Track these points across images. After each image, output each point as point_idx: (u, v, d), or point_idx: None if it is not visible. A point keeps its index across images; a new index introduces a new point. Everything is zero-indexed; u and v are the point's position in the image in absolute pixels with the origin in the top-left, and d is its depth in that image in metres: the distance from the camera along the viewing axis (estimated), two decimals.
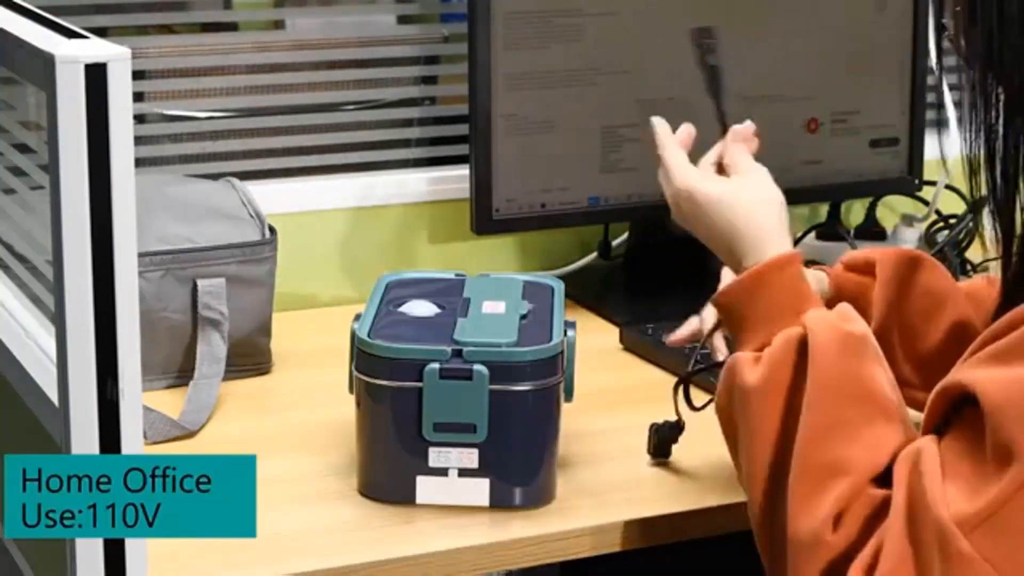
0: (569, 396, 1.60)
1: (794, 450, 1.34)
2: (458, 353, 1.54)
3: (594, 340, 1.79)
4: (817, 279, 1.68)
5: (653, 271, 2.20)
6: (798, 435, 1.34)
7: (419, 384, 1.54)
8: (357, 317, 1.61)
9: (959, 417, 1.27)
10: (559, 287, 1.72)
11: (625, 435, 1.72)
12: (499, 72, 2.04)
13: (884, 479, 1.31)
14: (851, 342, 1.38)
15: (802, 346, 1.38)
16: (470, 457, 1.54)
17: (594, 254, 2.24)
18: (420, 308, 1.65)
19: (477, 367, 1.53)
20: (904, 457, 1.29)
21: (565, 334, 1.60)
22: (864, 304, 1.65)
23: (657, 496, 1.59)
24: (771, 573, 1.36)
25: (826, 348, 1.37)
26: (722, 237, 1.51)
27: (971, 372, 1.25)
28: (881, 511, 1.28)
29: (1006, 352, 1.24)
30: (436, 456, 1.55)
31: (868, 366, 1.38)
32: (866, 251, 1.73)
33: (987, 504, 1.20)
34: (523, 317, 1.62)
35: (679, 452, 1.68)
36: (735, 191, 1.53)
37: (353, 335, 1.58)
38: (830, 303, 1.56)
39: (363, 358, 1.57)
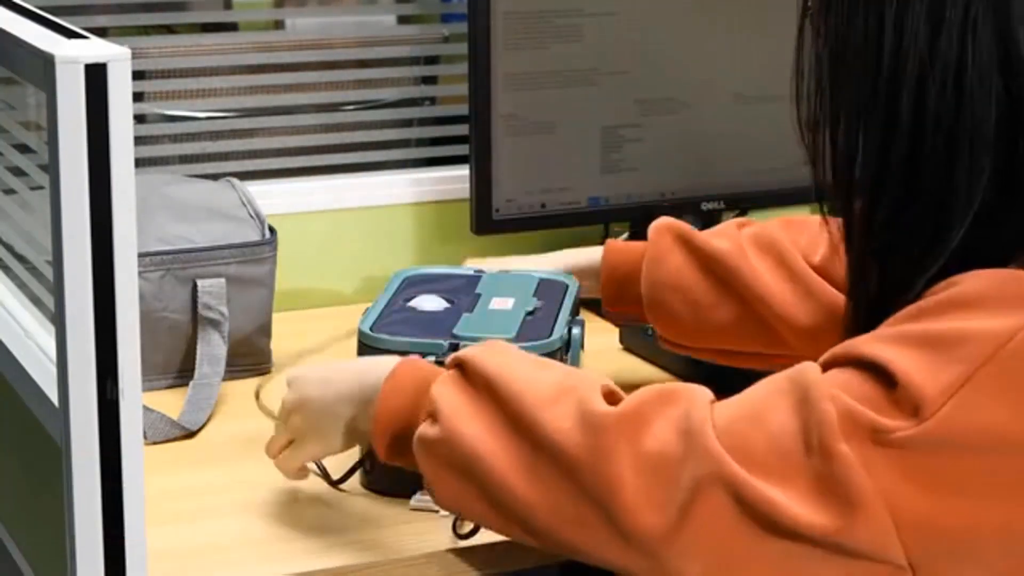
0: None
1: (525, 411, 1.29)
2: (455, 347, 1.55)
3: (594, 340, 1.79)
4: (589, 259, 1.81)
5: None
6: (524, 404, 1.29)
7: None
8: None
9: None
10: (573, 285, 1.72)
11: None
12: (499, 72, 2.04)
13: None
14: (494, 347, 1.39)
15: (459, 375, 1.35)
16: None
17: None
18: (429, 303, 1.66)
19: None
20: (781, 375, 1.26)
21: (569, 331, 1.60)
22: (638, 278, 1.76)
23: None
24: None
25: (483, 358, 1.35)
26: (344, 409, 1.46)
27: (861, 341, 1.23)
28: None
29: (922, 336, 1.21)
30: None
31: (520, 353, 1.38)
32: (657, 223, 1.79)
33: None
34: (530, 313, 1.63)
35: None
36: (321, 369, 1.50)
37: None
38: (604, 282, 1.76)
39: (365, 351, 1.57)
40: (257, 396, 1.80)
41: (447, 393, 1.35)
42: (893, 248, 1.27)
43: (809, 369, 1.24)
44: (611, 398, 1.30)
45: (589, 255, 1.83)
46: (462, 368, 1.36)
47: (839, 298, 1.67)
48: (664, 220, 1.80)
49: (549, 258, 1.84)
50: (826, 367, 1.25)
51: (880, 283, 1.29)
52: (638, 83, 2.10)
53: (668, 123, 2.12)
